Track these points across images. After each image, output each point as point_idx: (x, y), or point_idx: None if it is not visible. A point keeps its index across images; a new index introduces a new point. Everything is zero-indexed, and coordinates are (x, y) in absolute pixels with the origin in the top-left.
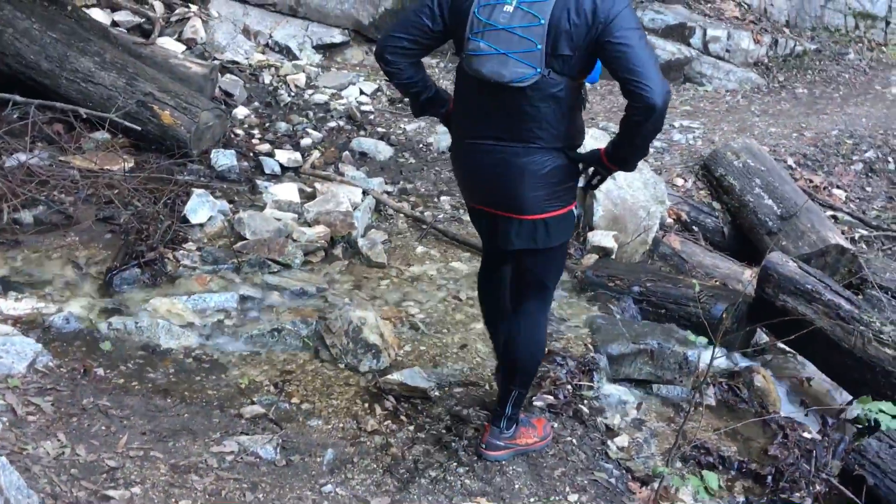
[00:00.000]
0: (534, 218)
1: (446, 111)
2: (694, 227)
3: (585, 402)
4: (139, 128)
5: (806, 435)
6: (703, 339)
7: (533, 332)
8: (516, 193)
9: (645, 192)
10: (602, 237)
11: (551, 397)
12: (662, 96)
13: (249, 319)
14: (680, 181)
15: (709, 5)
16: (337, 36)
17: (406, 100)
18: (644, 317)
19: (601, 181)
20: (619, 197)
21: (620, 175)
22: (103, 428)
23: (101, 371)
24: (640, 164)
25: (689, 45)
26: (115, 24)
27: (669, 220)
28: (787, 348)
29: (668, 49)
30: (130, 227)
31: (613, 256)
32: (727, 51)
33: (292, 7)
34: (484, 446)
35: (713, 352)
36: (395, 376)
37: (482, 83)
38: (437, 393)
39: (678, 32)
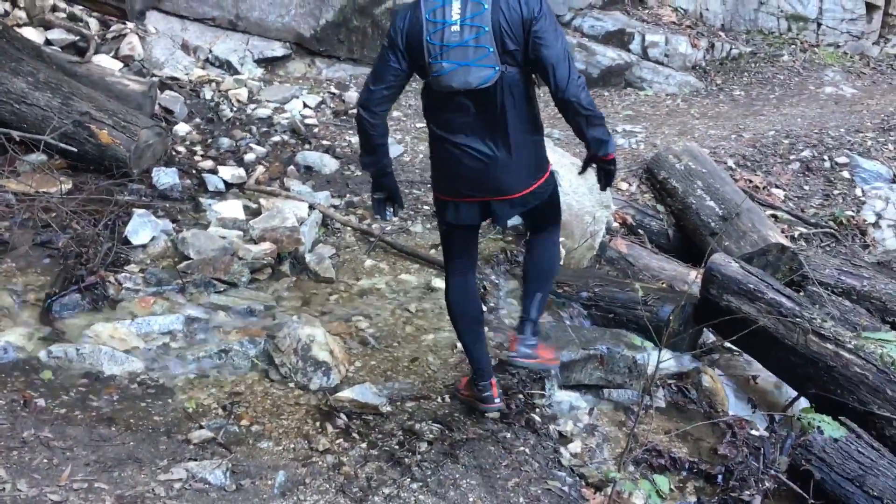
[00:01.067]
0: (525, 192)
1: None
2: (640, 230)
3: (538, 410)
4: (76, 149)
5: (754, 433)
6: (648, 343)
7: (556, 246)
8: (508, 181)
9: (590, 197)
10: None
11: (503, 404)
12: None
13: (196, 341)
14: (624, 185)
15: (647, 11)
16: (278, 49)
17: (349, 112)
18: (593, 322)
19: (610, 175)
20: (564, 203)
21: (565, 180)
22: (45, 461)
23: (41, 401)
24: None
25: (628, 50)
26: (48, 42)
27: (615, 224)
28: (733, 347)
29: (608, 55)
30: (69, 251)
31: (561, 262)
32: (666, 55)
33: (232, 21)
34: (514, 354)
35: (659, 354)
36: (346, 393)
37: (454, 95)
38: (388, 408)
39: (618, 38)
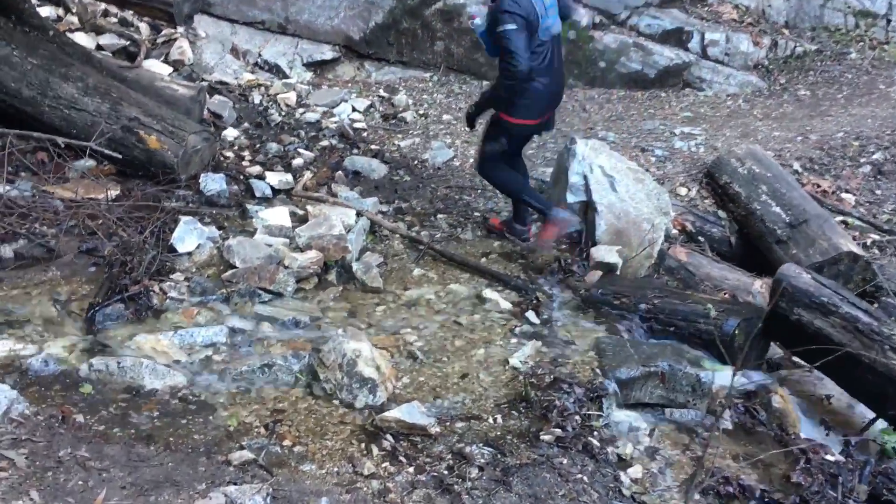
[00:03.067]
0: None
1: None
2: (700, 237)
3: (595, 432)
4: (120, 155)
5: (829, 458)
6: (720, 366)
7: None
8: (560, 99)
9: (648, 203)
10: (606, 252)
11: (559, 430)
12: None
13: (240, 354)
14: (683, 190)
15: (706, 8)
16: (327, 52)
17: (399, 116)
18: (652, 335)
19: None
20: (622, 210)
21: (622, 187)
22: (80, 483)
23: (80, 418)
24: (642, 174)
25: (687, 49)
26: (99, 47)
27: (674, 231)
28: (803, 363)
29: (665, 54)
30: (114, 260)
31: (618, 272)
32: (726, 54)
33: (281, 24)
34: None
35: (733, 376)
36: (392, 413)
37: (551, 41)
38: (437, 429)
39: (675, 37)
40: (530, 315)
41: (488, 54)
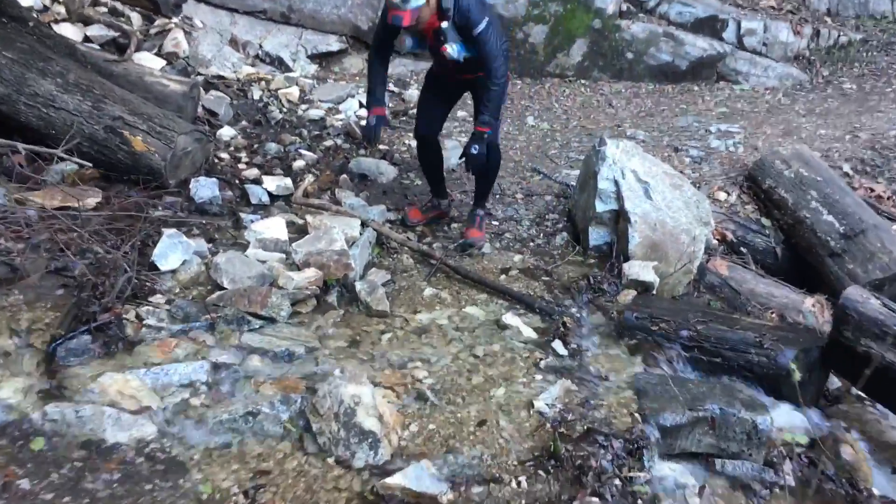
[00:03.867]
0: None
1: None
2: (742, 248)
3: (639, 500)
4: (90, 164)
5: None
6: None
7: None
8: None
9: (687, 212)
10: (641, 269)
11: (597, 500)
12: None
13: (221, 396)
14: (722, 195)
15: None
16: (333, 43)
17: (410, 113)
18: (695, 367)
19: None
20: (657, 220)
21: (658, 195)
22: None
23: (26, 483)
24: (679, 180)
25: (721, 39)
26: (87, 39)
27: (714, 241)
28: (865, 395)
29: (698, 45)
30: (85, 281)
31: (654, 291)
32: (764, 44)
33: (284, 14)
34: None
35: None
36: (397, 478)
37: None
38: (450, 495)
39: (709, 26)
40: (557, 345)
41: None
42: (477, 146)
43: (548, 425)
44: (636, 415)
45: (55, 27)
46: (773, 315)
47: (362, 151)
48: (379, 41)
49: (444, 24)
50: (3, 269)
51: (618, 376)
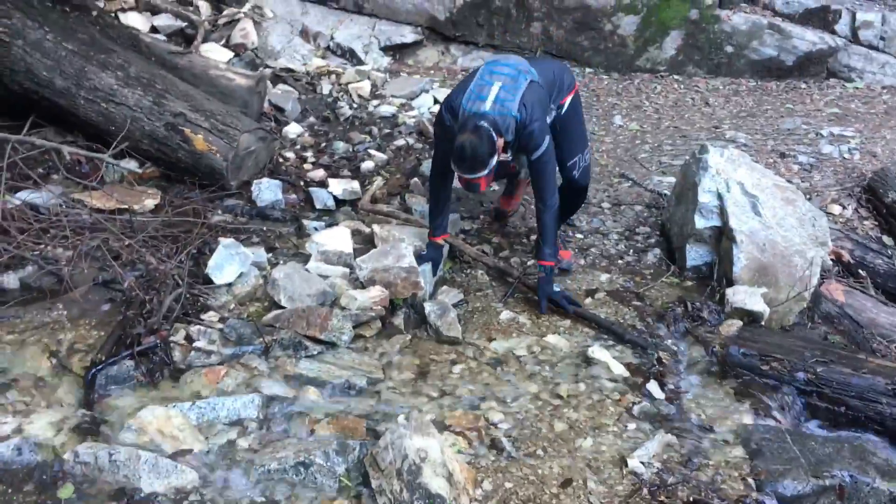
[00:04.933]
0: None
1: None
2: (860, 270)
3: None
4: (150, 160)
5: None
6: None
7: None
8: None
9: (801, 230)
10: (747, 296)
11: None
12: None
13: (272, 437)
14: (836, 208)
15: None
16: (408, 35)
17: None
18: (814, 415)
19: None
20: (767, 240)
21: (768, 210)
22: None
23: None
24: (793, 193)
25: (833, 32)
26: (154, 29)
27: (829, 262)
28: None
29: (807, 38)
30: (133, 297)
31: (763, 322)
32: (882, 38)
33: (357, 3)
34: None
35: None
36: None
37: None
38: None
39: (819, 17)
40: (652, 387)
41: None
42: (548, 289)
43: (645, 490)
44: (749, 480)
45: (122, 16)
46: None
47: None
48: (441, 160)
49: (508, 155)
50: (50, 279)
51: (723, 426)
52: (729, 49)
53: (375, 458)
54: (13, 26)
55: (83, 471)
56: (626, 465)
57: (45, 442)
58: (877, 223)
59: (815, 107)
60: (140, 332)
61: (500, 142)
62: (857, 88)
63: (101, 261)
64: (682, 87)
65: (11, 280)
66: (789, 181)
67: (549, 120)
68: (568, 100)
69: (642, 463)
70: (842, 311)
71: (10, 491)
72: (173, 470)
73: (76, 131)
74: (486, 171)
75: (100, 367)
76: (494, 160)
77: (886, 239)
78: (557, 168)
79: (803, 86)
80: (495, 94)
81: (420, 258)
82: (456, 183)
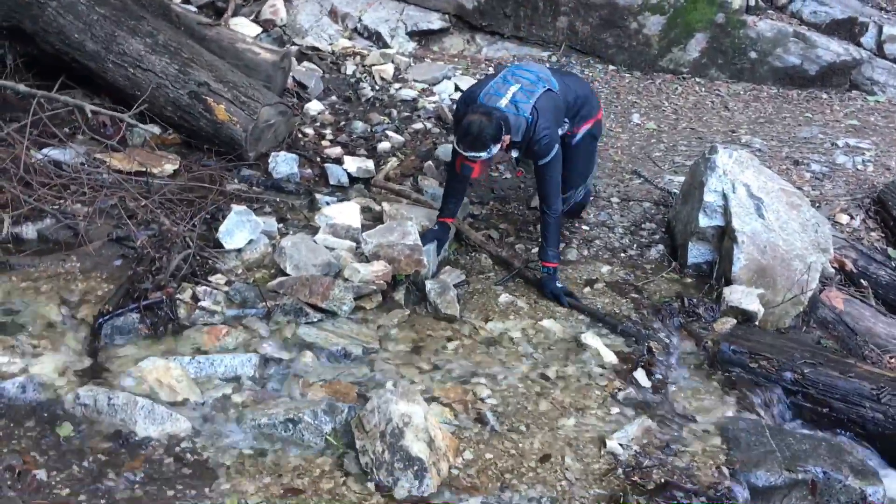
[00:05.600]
0: None
1: None
2: (862, 279)
3: None
4: (172, 126)
5: None
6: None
7: None
8: None
9: (803, 236)
10: (743, 296)
11: None
12: None
13: (266, 395)
14: (844, 218)
15: None
16: (436, 21)
17: None
18: (798, 415)
19: None
20: (768, 242)
21: (772, 213)
22: None
23: (42, 474)
24: (798, 199)
25: (858, 44)
26: (186, 0)
27: (831, 270)
28: None
29: (831, 48)
30: (144, 254)
31: (756, 322)
32: None
33: None
34: None
35: None
36: None
37: None
38: None
39: (846, 28)
40: (639, 375)
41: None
42: (551, 285)
43: (620, 470)
44: (724, 468)
45: None
46: (893, 360)
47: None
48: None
49: (514, 153)
50: (66, 232)
51: (706, 418)
52: (753, 55)
53: (361, 420)
54: None
55: (83, 412)
56: (605, 446)
57: (49, 383)
58: (883, 235)
59: (834, 117)
60: (148, 287)
61: (506, 138)
62: (878, 102)
63: (117, 218)
64: (702, 89)
65: (30, 231)
66: (800, 188)
67: (560, 132)
68: (584, 129)
69: (621, 445)
70: (838, 317)
71: (11, 425)
72: (168, 417)
73: (103, 94)
74: (484, 154)
75: (107, 317)
76: (496, 149)
77: (892, 251)
78: None
79: (824, 96)
80: (512, 94)
81: (424, 237)
82: None
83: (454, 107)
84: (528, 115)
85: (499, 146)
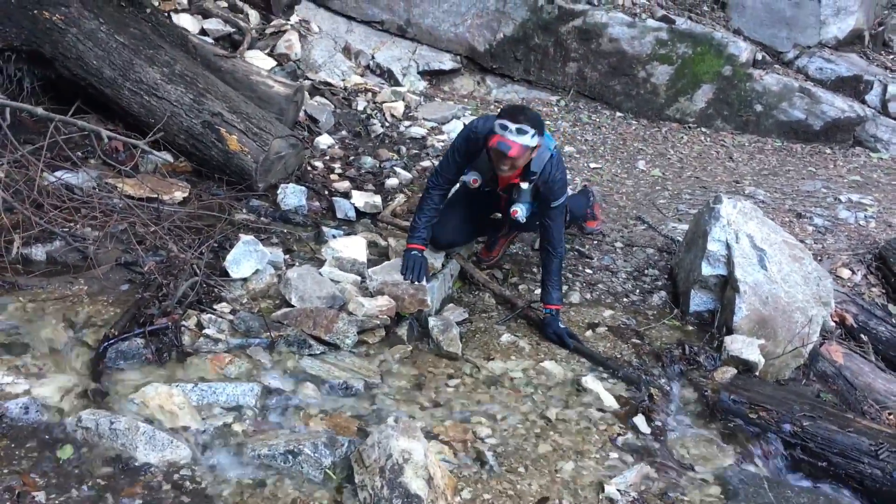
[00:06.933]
0: None
1: None
2: (863, 334)
3: None
4: (184, 154)
5: None
6: None
7: None
8: None
9: (805, 288)
10: (744, 346)
11: None
12: None
13: (266, 425)
14: (846, 272)
15: (891, 57)
16: (447, 62)
17: None
18: (796, 468)
19: None
20: (770, 294)
21: (774, 265)
22: None
23: (41, 497)
24: (801, 252)
25: (863, 102)
26: (203, 32)
27: (832, 324)
28: None
29: (836, 105)
30: (151, 280)
31: (757, 372)
32: None
33: (401, 27)
34: None
35: None
36: None
37: None
38: None
39: (851, 86)
40: (639, 421)
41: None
42: (554, 326)
43: None
44: None
45: (174, 16)
46: (891, 417)
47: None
48: (451, 175)
49: (525, 185)
50: (75, 255)
51: (705, 467)
52: (758, 108)
53: (361, 455)
54: (70, 14)
55: (84, 435)
56: (603, 491)
57: (52, 404)
58: (884, 291)
59: (838, 172)
60: (154, 313)
61: (539, 142)
62: (881, 159)
63: (126, 243)
64: (708, 139)
65: (39, 252)
66: (802, 241)
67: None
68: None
69: (619, 490)
70: (838, 371)
71: (13, 446)
72: (168, 444)
73: (117, 121)
74: (531, 136)
75: (112, 341)
76: (534, 140)
77: (892, 307)
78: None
79: (828, 151)
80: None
81: (412, 260)
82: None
83: (457, 142)
84: (552, 149)
85: (536, 142)
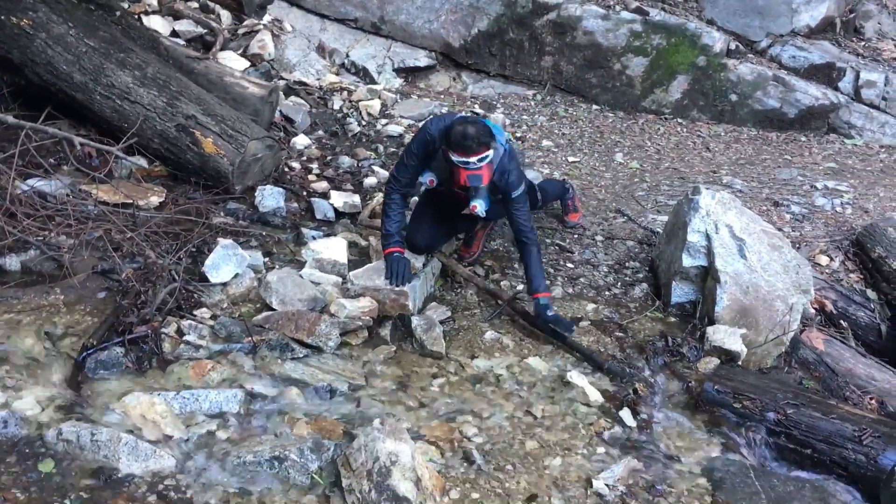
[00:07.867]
0: None
1: None
2: (842, 321)
3: None
4: (159, 159)
5: None
6: None
7: None
8: None
9: (785, 277)
10: (726, 336)
11: None
12: None
13: (251, 431)
14: (824, 259)
15: (863, 43)
16: (422, 58)
17: None
18: (780, 456)
19: None
20: (750, 283)
21: (754, 255)
22: None
23: None
24: (780, 240)
25: (836, 89)
26: (174, 33)
27: (811, 311)
28: None
29: (810, 92)
30: (129, 287)
31: (739, 362)
32: (884, 98)
33: (375, 24)
34: None
35: None
36: None
37: None
38: None
39: (824, 73)
40: (625, 415)
41: (489, 217)
42: (549, 315)
43: None
44: None
45: (145, 18)
46: (873, 401)
47: None
48: (408, 179)
49: (481, 204)
50: (50, 264)
51: (690, 457)
52: (733, 97)
53: (348, 459)
54: (38, 19)
55: (65, 448)
56: (591, 486)
57: (31, 418)
58: (862, 276)
59: (813, 160)
60: (132, 321)
61: (495, 145)
62: (855, 145)
63: (102, 251)
64: (684, 130)
65: (13, 262)
66: (780, 229)
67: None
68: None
69: (607, 485)
70: (819, 358)
71: None
72: (152, 454)
73: (89, 126)
74: (488, 154)
75: (91, 351)
76: (492, 152)
77: (870, 293)
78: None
79: (803, 139)
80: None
81: (395, 263)
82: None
83: (412, 146)
84: (503, 143)
85: (493, 150)
